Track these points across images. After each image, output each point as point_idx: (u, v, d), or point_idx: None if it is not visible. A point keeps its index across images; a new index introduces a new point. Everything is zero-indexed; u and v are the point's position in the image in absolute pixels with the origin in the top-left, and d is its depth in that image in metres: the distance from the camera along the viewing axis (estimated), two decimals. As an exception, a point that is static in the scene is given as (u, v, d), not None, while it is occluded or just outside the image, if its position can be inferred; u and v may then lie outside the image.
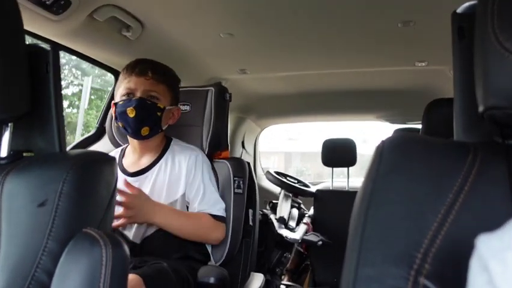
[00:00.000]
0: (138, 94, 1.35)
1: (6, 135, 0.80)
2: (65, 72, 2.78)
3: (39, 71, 0.81)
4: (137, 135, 1.39)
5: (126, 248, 0.67)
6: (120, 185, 1.39)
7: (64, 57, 2.42)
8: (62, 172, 0.71)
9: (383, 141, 0.56)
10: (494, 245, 0.34)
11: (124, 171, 1.43)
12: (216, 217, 1.41)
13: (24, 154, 0.83)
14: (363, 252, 0.47)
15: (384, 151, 0.54)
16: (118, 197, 1.23)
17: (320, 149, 2.98)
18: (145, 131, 1.37)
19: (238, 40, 1.83)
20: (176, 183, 1.41)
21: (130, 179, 1.38)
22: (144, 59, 1.42)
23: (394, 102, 2.80)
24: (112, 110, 1.46)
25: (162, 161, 1.44)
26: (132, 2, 1.46)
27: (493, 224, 0.39)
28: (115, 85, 2.06)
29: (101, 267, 0.63)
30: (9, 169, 0.74)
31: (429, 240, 0.45)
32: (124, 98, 1.36)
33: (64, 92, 2.85)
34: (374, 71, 2.32)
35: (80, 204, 0.70)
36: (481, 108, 0.53)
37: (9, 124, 0.80)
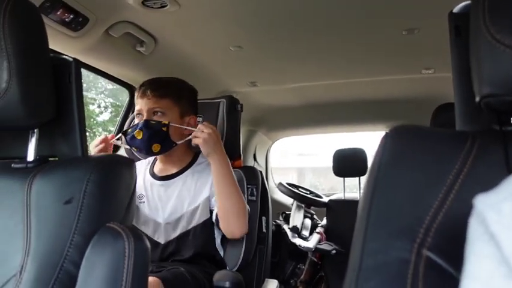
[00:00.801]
0: (144, 114, 1.43)
1: (33, 141, 0.85)
2: (98, 100, 2.90)
3: (63, 81, 0.86)
4: (150, 153, 1.45)
5: (147, 241, 0.72)
6: (148, 187, 1.50)
7: (102, 88, 2.55)
8: (86, 173, 0.76)
9: (386, 133, 0.60)
10: (490, 199, 0.37)
11: (154, 176, 1.52)
12: None
13: (50, 159, 0.88)
14: (370, 230, 0.50)
15: (388, 141, 0.57)
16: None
17: (331, 164, 3.00)
18: (155, 147, 1.43)
19: (248, 53, 1.88)
20: (199, 191, 1.46)
21: (157, 183, 1.50)
22: (149, 79, 1.50)
23: (403, 111, 2.83)
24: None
25: (188, 172, 1.50)
26: (146, 18, 1.52)
27: None
28: (129, 99, 2.14)
29: (124, 259, 0.67)
30: (36, 171, 0.79)
31: (431, 217, 0.48)
32: (134, 121, 1.48)
33: (102, 118, 2.94)
34: (382, 80, 2.35)
35: (103, 201, 0.75)
36: (477, 98, 0.57)
37: (36, 130, 0.85)
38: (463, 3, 0.71)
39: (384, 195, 0.52)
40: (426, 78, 2.25)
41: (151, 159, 1.60)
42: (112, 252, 0.68)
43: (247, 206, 1.48)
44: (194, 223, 1.44)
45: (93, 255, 0.68)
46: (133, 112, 1.95)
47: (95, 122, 2.85)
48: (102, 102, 2.83)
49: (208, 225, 1.46)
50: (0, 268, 0.70)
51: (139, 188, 1.50)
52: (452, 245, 0.46)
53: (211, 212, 1.46)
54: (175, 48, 1.80)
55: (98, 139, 1.47)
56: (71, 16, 1.30)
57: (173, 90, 1.47)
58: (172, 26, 1.60)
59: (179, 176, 1.50)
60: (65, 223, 0.71)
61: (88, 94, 2.59)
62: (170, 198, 1.47)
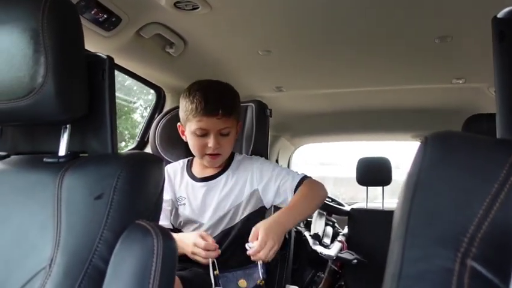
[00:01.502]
0: (211, 134, 1.39)
1: (65, 136, 0.86)
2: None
3: (96, 78, 0.87)
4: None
5: (175, 240, 0.71)
6: (189, 189, 1.49)
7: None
8: (116, 169, 0.76)
9: (426, 137, 0.58)
10: None
11: (193, 178, 1.52)
12: (305, 178, 1.46)
13: (80, 155, 0.89)
14: (409, 237, 0.49)
15: (429, 145, 0.56)
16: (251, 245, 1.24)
17: (352, 174, 2.97)
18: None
19: (276, 57, 1.88)
20: (242, 188, 1.47)
21: (198, 184, 1.49)
22: (211, 90, 1.42)
23: (430, 121, 2.77)
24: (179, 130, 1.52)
25: (228, 171, 1.50)
26: (177, 20, 1.53)
27: None
28: (156, 101, 2.16)
29: (153, 256, 0.66)
30: (68, 166, 0.80)
31: (475, 226, 0.46)
32: (197, 134, 1.40)
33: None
34: (411, 88, 2.31)
35: (133, 198, 0.75)
36: None
37: (68, 126, 0.86)
38: (508, 8, 0.68)
39: (425, 201, 0.50)
40: (457, 88, 2.20)
41: (185, 160, 1.60)
42: (142, 248, 0.67)
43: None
44: (237, 219, 1.46)
45: (122, 251, 0.68)
46: (159, 114, 1.97)
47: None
48: (144, 111, 2.86)
49: (252, 219, 1.47)
50: (30, 260, 0.71)
51: (179, 190, 1.51)
52: (498, 256, 0.44)
53: (260, 207, 1.49)
54: (204, 51, 1.81)
55: (203, 243, 1.28)
56: (105, 16, 1.32)
57: (236, 104, 1.47)
58: (202, 29, 1.61)
59: (220, 177, 1.50)
60: (95, 218, 0.71)
61: (134, 100, 2.59)
62: (213, 199, 1.47)
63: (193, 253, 1.27)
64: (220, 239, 1.44)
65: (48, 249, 0.70)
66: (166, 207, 1.47)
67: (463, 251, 0.45)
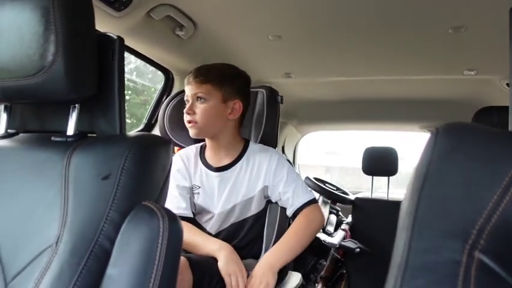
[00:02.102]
0: (189, 99, 1.45)
1: (74, 116, 0.86)
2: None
3: (106, 58, 0.86)
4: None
5: (181, 222, 0.72)
6: (204, 178, 1.49)
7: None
8: (124, 150, 0.76)
9: (437, 128, 0.57)
10: None
11: (208, 167, 1.51)
12: (309, 203, 1.47)
13: (88, 135, 0.89)
14: (417, 228, 0.48)
15: (439, 136, 0.55)
16: None
17: (357, 164, 2.96)
18: None
19: (286, 42, 1.86)
20: (255, 182, 1.47)
21: (213, 174, 1.49)
22: (197, 67, 1.50)
23: (439, 112, 2.75)
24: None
25: (243, 160, 1.49)
26: (187, 2, 1.52)
27: None
28: (164, 84, 2.15)
29: (159, 237, 0.67)
30: (76, 146, 0.80)
31: (484, 219, 0.46)
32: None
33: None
34: (421, 79, 2.29)
35: (140, 180, 0.75)
36: None
37: (77, 105, 0.86)
38: (526, -1, 0.67)
39: (435, 192, 0.50)
40: (468, 79, 2.18)
41: (197, 146, 1.59)
42: (148, 228, 0.68)
43: (307, 187, 1.52)
44: (248, 214, 1.47)
45: (128, 231, 0.69)
46: (167, 97, 1.97)
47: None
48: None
49: (261, 216, 1.48)
50: (37, 237, 0.72)
51: (194, 178, 1.50)
52: (506, 250, 0.44)
53: (267, 202, 1.50)
54: (213, 34, 1.80)
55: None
56: (116, -5, 1.32)
57: (215, 76, 1.46)
58: (212, 11, 1.60)
59: (232, 168, 1.49)
60: (102, 198, 0.71)
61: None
62: (225, 189, 1.47)
63: (233, 273, 1.28)
64: (229, 231, 1.46)
65: (55, 227, 0.71)
66: (186, 195, 1.47)
67: (471, 243, 0.45)
